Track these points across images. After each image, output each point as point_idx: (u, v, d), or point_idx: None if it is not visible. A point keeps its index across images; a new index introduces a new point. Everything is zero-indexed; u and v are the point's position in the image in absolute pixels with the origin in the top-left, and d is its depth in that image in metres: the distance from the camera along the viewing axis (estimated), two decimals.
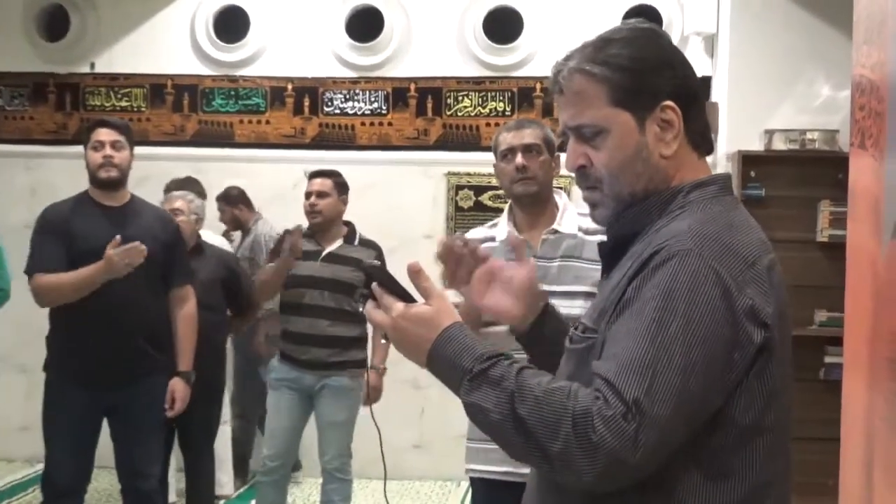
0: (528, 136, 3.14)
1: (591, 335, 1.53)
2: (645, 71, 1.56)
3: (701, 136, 1.62)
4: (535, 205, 3.17)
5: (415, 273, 1.56)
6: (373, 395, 4.65)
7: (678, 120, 1.57)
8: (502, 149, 3.17)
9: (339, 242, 4.66)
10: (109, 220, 4.07)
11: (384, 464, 2.67)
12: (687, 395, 1.37)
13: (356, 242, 4.69)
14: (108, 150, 4.08)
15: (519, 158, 3.11)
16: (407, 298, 1.56)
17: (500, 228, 3.23)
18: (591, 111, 1.58)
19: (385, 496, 3.96)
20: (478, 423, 1.47)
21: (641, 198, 1.58)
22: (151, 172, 6.06)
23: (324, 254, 4.64)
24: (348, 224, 4.75)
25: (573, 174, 1.64)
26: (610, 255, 1.63)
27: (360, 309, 1.50)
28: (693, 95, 1.61)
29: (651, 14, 6.16)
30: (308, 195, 4.65)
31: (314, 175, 4.70)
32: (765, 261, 1.49)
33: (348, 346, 4.63)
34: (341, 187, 4.71)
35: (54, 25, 6.72)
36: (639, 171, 1.57)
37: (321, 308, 4.56)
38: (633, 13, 6.17)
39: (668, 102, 1.56)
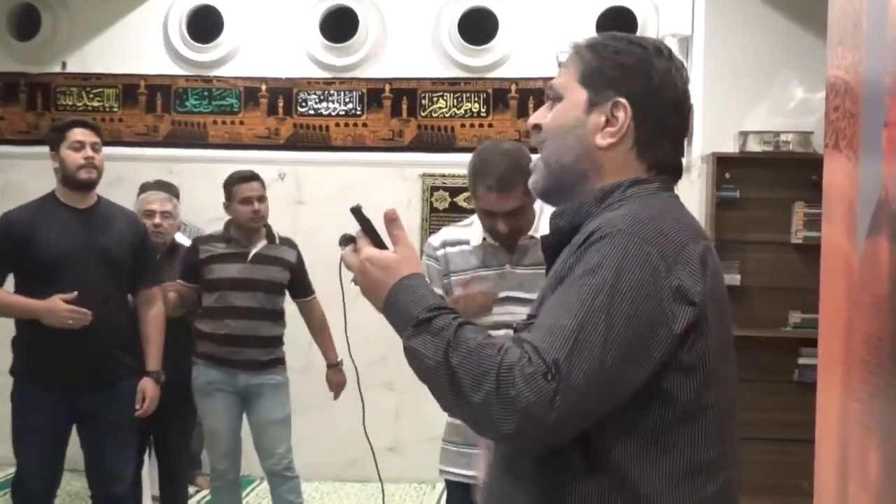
0: (512, 200, 2.97)
1: (532, 321, 1.56)
2: (615, 63, 1.63)
3: (650, 149, 1.64)
4: None
5: (390, 220, 1.64)
6: (338, 389, 4.78)
7: (626, 121, 1.62)
8: (483, 207, 3.03)
9: (263, 242, 4.65)
10: (78, 221, 4.02)
11: (368, 438, 2.54)
12: (605, 366, 1.41)
13: (277, 242, 4.70)
14: (90, 151, 4.02)
15: (502, 226, 3.01)
16: (380, 245, 1.62)
17: (475, 231, 3.18)
18: (563, 79, 1.68)
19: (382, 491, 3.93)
20: (414, 368, 1.52)
21: (569, 173, 1.65)
22: (124, 174, 6.00)
23: (251, 255, 4.61)
24: (265, 225, 4.72)
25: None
26: (553, 250, 1.67)
27: (341, 250, 1.62)
28: (658, 114, 1.63)
29: (626, 16, 6.16)
30: (248, 200, 4.55)
31: (248, 179, 4.61)
32: (696, 247, 1.52)
33: (277, 344, 4.70)
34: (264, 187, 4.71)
35: (25, 25, 6.64)
36: (569, 144, 1.65)
37: (252, 310, 4.55)
38: (608, 15, 6.17)
39: (622, 100, 1.61)
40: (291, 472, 4.69)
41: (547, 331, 1.44)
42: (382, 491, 3.45)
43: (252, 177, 4.62)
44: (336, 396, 4.81)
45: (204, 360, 4.64)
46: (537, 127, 1.70)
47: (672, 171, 1.68)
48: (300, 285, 4.74)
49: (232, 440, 4.70)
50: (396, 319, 1.56)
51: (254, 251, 4.61)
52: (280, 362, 4.70)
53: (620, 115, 1.61)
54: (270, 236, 4.68)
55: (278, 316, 4.68)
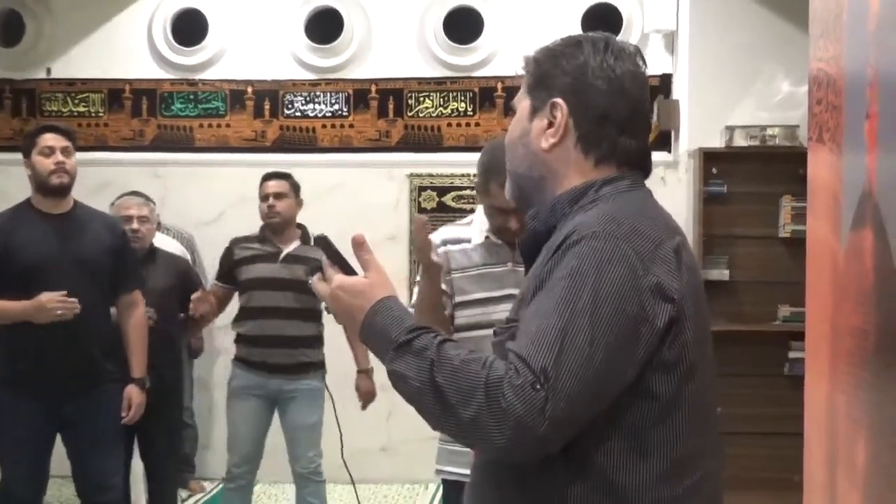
0: None
1: (513, 325, 1.57)
2: (552, 66, 1.66)
3: (595, 144, 1.63)
4: None
5: (358, 245, 1.65)
6: (368, 399, 4.75)
7: (564, 119, 1.63)
8: (496, 204, 2.96)
9: (296, 243, 4.69)
10: (55, 228, 3.99)
11: (347, 469, 2.62)
12: (594, 367, 1.42)
13: (312, 243, 4.69)
14: (60, 156, 3.99)
15: (514, 223, 2.95)
16: (349, 271, 1.64)
17: (475, 229, 3.15)
18: (518, 93, 1.73)
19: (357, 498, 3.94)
20: (400, 391, 1.54)
21: (527, 181, 1.69)
22: (111, 178, 5.99)
23: (283, 255, 4.63)
24: (301, 226, 4.77)
25: None
26: (530, 251, 1.69)
27: (310, 280, 1.66)
28: (596, 105, 1.62)
29: (611, 12, 6.17)
30: (265, 197, 4.67)
31: (269, 177, 4.74)
32: (671, 243, 1.54)
33: (312, 345, 4.69)
34: (296, 188, 4.76)
35: (9, 31, 6.61)
36: (521, 154, 1.69)
37: (285, 309, 4.57)
38: (592, 12, 6.17)
39: (557, 100, 1.63)
40: (318, 476, 4.73)
41: (531, 338, 1.44)
42: (357, 497, 3.44)
43: (273, 175, 4.76)
44: (364, 406, 4.78)
45: (239, 363, 4.70)
46: None
47: (634, 162, 1.66)
48: None
49: (253, 446, 4.71)
50: (376, 344, 1.57)
51: (286, 251, 4.65)
52: (316, 367, 4.71)
53: (558, 114, 1.63)
54: (305, 237, 4.72)
55: (312, 315, 4.63)
